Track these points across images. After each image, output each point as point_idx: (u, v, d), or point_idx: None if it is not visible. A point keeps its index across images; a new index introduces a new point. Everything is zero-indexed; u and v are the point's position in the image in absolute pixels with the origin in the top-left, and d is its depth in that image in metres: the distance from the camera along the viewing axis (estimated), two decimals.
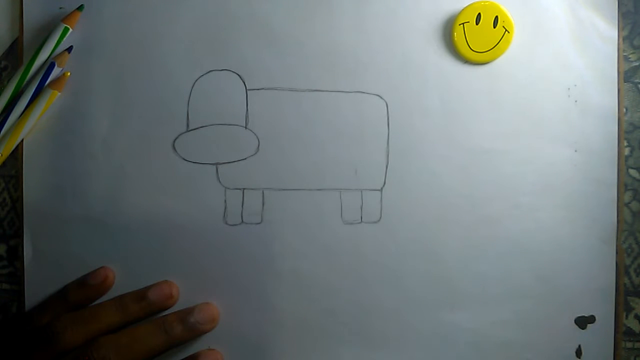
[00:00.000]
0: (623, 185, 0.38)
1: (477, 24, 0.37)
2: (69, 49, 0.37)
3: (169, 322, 0.35)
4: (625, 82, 0.38)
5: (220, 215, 0.37)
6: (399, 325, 0.37)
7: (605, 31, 0.37)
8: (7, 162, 0.38)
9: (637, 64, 0.38)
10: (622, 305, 0.38)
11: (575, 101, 0.38)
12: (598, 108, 0.38)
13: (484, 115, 0.38)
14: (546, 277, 0.38)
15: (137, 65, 0.37)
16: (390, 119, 0.38)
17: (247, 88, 0.37)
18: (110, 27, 0.37)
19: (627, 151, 0.38)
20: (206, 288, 0.37)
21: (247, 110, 0.37)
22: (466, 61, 0.37)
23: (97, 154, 0.37)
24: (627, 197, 0.38)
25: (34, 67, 0.36)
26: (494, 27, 0.37)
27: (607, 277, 0.38)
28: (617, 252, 0.38)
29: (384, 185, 0.38)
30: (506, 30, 0.37)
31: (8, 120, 0.36)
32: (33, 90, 0.36)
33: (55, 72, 0.37)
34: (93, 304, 0.36)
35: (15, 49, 0.38)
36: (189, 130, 0.37)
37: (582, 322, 0.38)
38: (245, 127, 0.37)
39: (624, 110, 0.38)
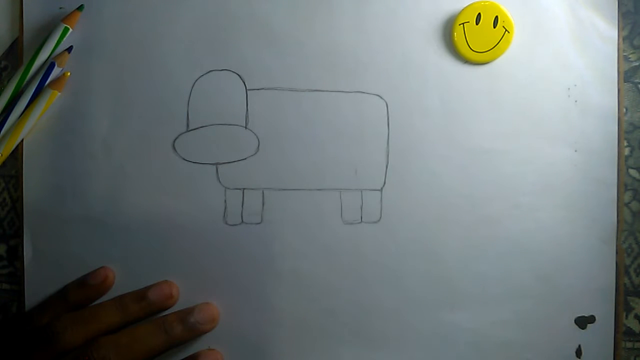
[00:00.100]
0: (623, 185, 0.38)
1: (477, 24, 0.37)
2: (69, 49, 0.37)
3: (169, 322, 0.35)
4: (625, 82, 0.38)
5: (220, 215, 0.37)
6: (399, 325, 0.37)
7: (605, 31, 0.37)
8: (7, 162, 0.38)
9: (637, 64, 0.38)
10: (622, 305, 0.38)
11: (575, 101, 0.38)
12: (598, 108, 0.38)
13: (484, 115, 0.38)
14: (546, 277, 0.38)
15: (137, 65, 0.37)
16: (390, 119, 0.38)
17: (247, 88, 0.37)
18: (110, 27, 0.37)
19: (627, 151, 0.38)
20: (206, 288, 0.37)
21: (247, 110, 0.37)
22: (466, 61, 0.37)
23: (97, 154, 0.37)
24: (627, 197, 0.38)
25: (34, 67, 0.36)
26: (494, 27, 0.37)
27: (607, 277, 0.38)
28: (617, 252, 0.38)
29: (384, 185, 0.38)
30: (506, 30, 0.37)
31: (8, 120, 0.36)
32: (33, 90, 0.36)
33: (55, 72, 0.37)
34: (93, 304, 0.36)
35: (15, 49, 0.38)
36: (189, 130, 0.37)
37: (582, 322, 0.38)
38: (245, 127, 0.37)
39: (624, 110, 0.38)
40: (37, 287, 0.37)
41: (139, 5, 0.37)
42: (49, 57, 0.37)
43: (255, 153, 0.37)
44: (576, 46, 0.38)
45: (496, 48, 0.37)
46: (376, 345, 0.37)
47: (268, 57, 0.37)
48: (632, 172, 0.38)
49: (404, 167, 0.38)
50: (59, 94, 0.37)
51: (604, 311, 0.38)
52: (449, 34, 0.37)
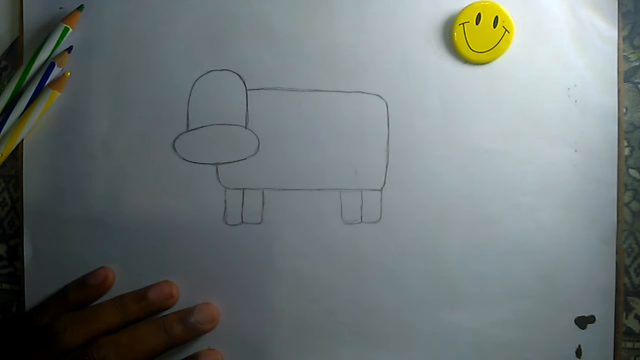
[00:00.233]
0: (623, 185, 0.38)
1: (477, 24, 0.37)
2: (69, 49, 0.37)
3: (169, 322, 0.35)
4: (625, 82, 0.38)
5: (220, 215, 0.37)
6: (399, 325, 0.37)
7: (605, 31, 0.37)
8: (7, 162, 0.38)
9: (637, 64, 0.38)
10: (622, 305, 0.38)
11: (575, 101, 0.38)
12: (598, 108, 0.38)
13: (484, 115, 0.38)
14: (546, 277, 0.38)
15: (137, 65, 0.37)
16: (390, 119, 0.38)
17: (247, 88, 0.37)
18: (110, 27, 0.37)
19: (627, 151, 0.38)
20: (206, 288, 0.37)
21: (247, 110, 0.37)
22: (466, 61, 0.37)
23: (97, 154, 0.37)
24: (627, 197, 0.38)
25: (34, 67, 0.36)
26: (494, 27, 0.37)
27: (607, 277, 0.38)
28: (617, 252, 0.38)
29: (384, 185, 0.38)
30: (506, 30, 0.37)
31: (8, 120, 0.36)
32: (33, 90, 0.36)
33: (55, 72, 0.37)
34: (93, 304, 0.36)
35: (15, 49, 0.38)
36: (189, 130, 0.37)
37: (582, 322, 0.38)
38: (245, 127, 0.37)
39: (624, 110, 0.38)
40: (37, 287, 0.37)
41: (139, 5, 0.37)
42: (49, 57, 0.37)
43: (255, 153, 0.37)
44: (576, 46, 0.38)
45: (496, 48, 0.37)
46: (376, 345, 0.37)
47: (268, 57, 0.37)
48: (632, 172, 0.38)
49: (404, 167, 0.38)
50: (59, 94, 0.37)
51: (604, 311, 0.38)
52: (449, 34, 0.37)
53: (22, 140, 0.37)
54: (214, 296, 0.37)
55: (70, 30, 0.37)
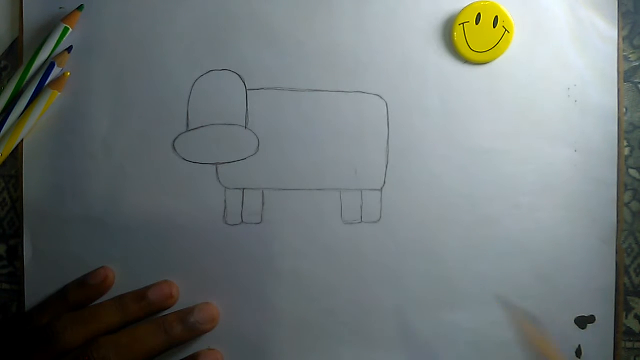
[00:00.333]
0: (623, 185, 0.38)
1: (477, 24, 0.37)
2: (69, 49, 0.37)
3: (169, 322, 0.35)
4: (625, 82, 0.38)
5: (220, 215, 0.37)
6: (399, 325, 0.37)
7: (605, 31, 0.37)
8: (7, 162, 0.38)
9: (637, 64, 0.38)
10: (622, 305, 0.38)
11: (575, 101, 0.38)
12: (598, 108, 0.38)
13: (484, 115, 0.38)
14: (546, 277, 0.38)
15: (137, 65, 0.37)
16: (390, 119, 0.38)
17: (247, 88, 0.37)
18: (110, 27, 0.37)
19: (627, 151, 0.38)
20: (206, 288, 0.37)
21: (247, 110, 0.37)
22: (466, 61, 0.37)
23: (97, 154, 0.37)
24: (627, 197, 0.38)
25: (34, 67, 0.36)
26: (494, 27, 0.37)
27: (607, 277, 0.38)
28: (617, 252, 0.38)
29: (384, 185, 0.38)
30: (506, 30, 0.37)
31: (8, 120, 0.36)
32: (33, 90, 0.36)
33: (55, 72, 0.37)
34: (93, 304, 0.36)
35: (15, 49, 0.38)
36: (189, 130, 0.37)
37: (582, 322, 0.38)
38: (245, 127, 0.37)
39: (624, 110, 0.38)
40: (37, 287, 0.37)
41: (139, 5, 0.37)
42: (49, 57, 0.37)
43: (255, 153, 0.37)
44: (576, 46, 0.38)
45: (496, 48, 0.37)
46: (376, 345, 0.37)
47: (268, 57, 0.37)
48: (632, 172, 0.38)
49: (404, 167, 0.38)
50: (59, 94, 0.37)
51: (604, 311, 0.38)
52: (449, 34, 0.37)
53: (22, 140, 0.37)
54: (214, 296, 0.37)
55: (70, 30, 0.37)
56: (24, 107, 0.36)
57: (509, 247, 0.38)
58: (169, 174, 0.37)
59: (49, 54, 0.36)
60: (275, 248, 0.37)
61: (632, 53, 0.38)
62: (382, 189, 0.38)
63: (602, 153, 0.38)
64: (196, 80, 0.37)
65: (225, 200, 0.37)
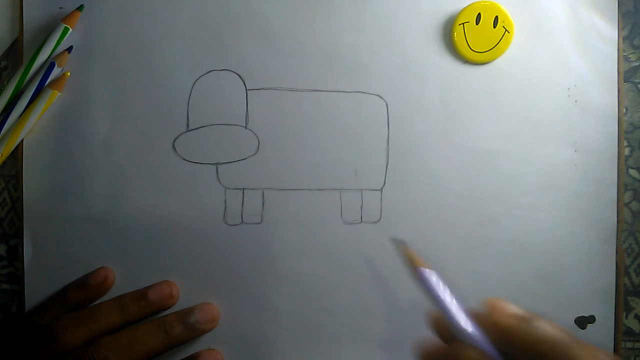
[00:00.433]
0: (623, 185, 0.38)
1: (477, 24, 0.37)
2: (69, 49, 0.37)
3: (169, 322, 0.35)
4: (625, 82, 0.38)
5: (220, 215, 0.37)
6: (399, 326, 0.37)
7: (605, 31, 0.37)
8: (7, 162, 0.38)
9: (637, 64, 0.38)
10: (622, 305, 0.38)
11: (575, 101, 0.38)
12: (598, 108, 0.38)
13: (484, 115, 0.38)
14: (546, 277, 0.38)
15: (137, 65, 0.37)
16: (390, 119, 0.38)
17: (247, 88, 0.37)
18: (110, 27, 0.37)
19: (627, 151, 0.38)
20: (206, 288, 0.37)
21: (247, 110, 0.37)
22: (466, 61, 0.37)
23: (97, 154, 0.37)
24: (627, 197, 0.38)
25: (34, 67, 0.36)
26: (494, 27, 0.37)
27: (607, 277, 0.38)
28: (617, 252, 0.38)
29: (384, 185, 0.38)
30: (506, 30, 0.37)
31: (8, 120, 0.36)
32: (33, 90, 0.36)
33: (55, 72, 0.37)
34: (93, 304, 0.36)
35: (15, 49, 0.38)
36: (189, 130, 0.37)
37: (582, 322, 0.38)
38: (245, 127, 0.37)
39: (624, 110, 0.38)
40: (37, 287, 0.37)
41: (139, 5, 0.37)
42: (49, 57, 0.37)
43: (255, 153, 0.37)
44: (576, 46, 0.38)
45: (496, 48, 0.37)
46: (376, 345, 0.37)
47: (268, 57, 0.37)
48: (632, 172, 0.38)
49: (404, 167, 0.38)
50: (59, 94, 0.37)
51: (604, 311, 0.38)
52: (449, 34, 0.37)
53: (22, 140, 0.37)
54: (214, 296, 0.37)
55: (70, 30, 0.37)
56: (24, 107, 0.36)
57: (509, 247, 0.38)
58: (169, 174, 0.37)
59: (49, 54, 0.36)
60: (275, 248, 0.37)
61: (632, 53, 0.38)
62: (382, 189, 0.38)
63: (602, 153, 0.38)
64: (196, 80, 0.37)
65: (225, 200, 0.37)
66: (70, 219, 0.37)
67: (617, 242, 0.38)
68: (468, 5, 0.37)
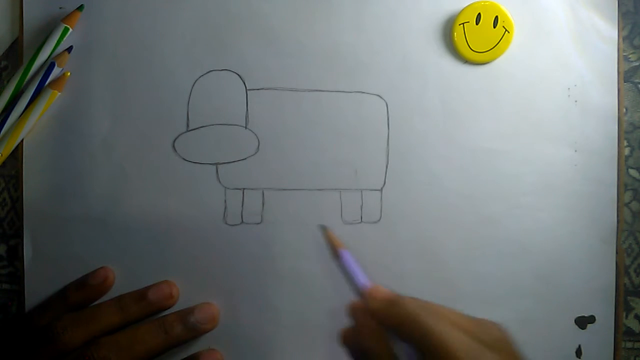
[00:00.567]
0: (623, 185, 0.38)
1: (477, 24, 0.37)
2: (69, 49, 0.37)
3: (169, 322, 0.35)
4: (625, 82, 0.38)
5: (220, 215, 0.37)
6: None
7: (605, 31, 0.37)
8: (7, 162, 0.38)
9: (637, 64, 0.38)
10: (622, 305, 0.38)
11: (575, 101, 0.38)
12: (598, 108, 0.38)
13: (484, 115, 0.38)
14: (546, 277, 0.38)
15: (137, 65, 0.37)
16: (390, 119, 0.38)
17: (247, 88, 0.37)
18: (110, 27, 0.37)
19: (627, 151, 0.38)
20: (206, 288, 0.37)
21: (247, 110, 0.37)
22: (466, 61, 0.37)
23: (97, 154, 0.37)
24: (627, 197, 0.38)
25: (34, 67, 0.36)
26: (494, 27, 0.37)
27: (607, 277, 0.38)
28: (617, 252, 0.38)
29: (384, 185, 0.38)
30: (506, 30, 0.37)
31: (8, 120, 0.36)
32: (33, 90, 0.36)
33: (55, 72, 0.37)
34: (93, 304, 0.36)
35: (15, 49, 0.38)
36: (189, 130, 0.37)
37: (582, 322, 0.38)
38: (245, 127, 0.37)
39: (624, 110, 0.38)
40: (37, 287, 0.37)
41: (139, 5, 0.37)
42: (49, 57, 0.37)
43: (255, 153, 0.37)
44: (576, 46, 0.38)
45: (496, 48, 0.37)
46: None
47: (268, 57, 0.37)
48: (632, 172, 0.38)
49: (404, 167, 0.38)
50: (59, 94, 0.37)
51: (604, 311, 0.38)
52: (449, 34, 0.37)
53: (22, 140, 0.37)
54: (214, 296, 0.37)
55: (70, 30, 0.37)
56: (24, 107, 0.36)
57: (509, 247, 0.38)
58: (169, 174, 0.37)
59: (49, 54, 0.36)
60: (275, 248, 0.37)
61: (632, 53, 0.38)
62: (382, 189, 0.38)
63: (602, 153, 0.38)
64: (196, 80, 0.37)
65: (225, 200, 0.37)
66: (70, 219, 0.37)
67: (617, 242, 0.38)
68: (468, 5, 0.37)
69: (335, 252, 0.32)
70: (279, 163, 0.37)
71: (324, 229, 0.33)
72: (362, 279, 0.31)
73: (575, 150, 0.38)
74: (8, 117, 0.36)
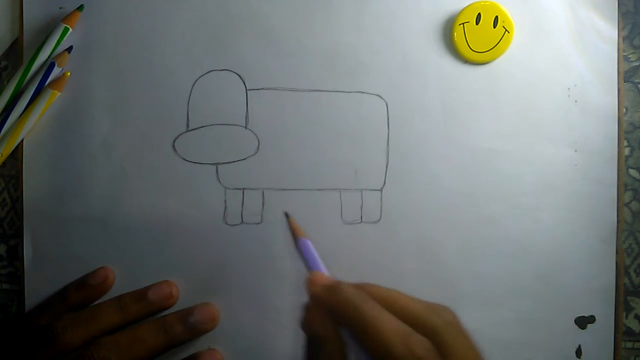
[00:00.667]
0: (623, 185, 0.38)
1: (477, 24, 0.37)
2: (69, 49, 0.37)
3: (169, 322, 0.35)
4: (625, 82, 0.38)
5: (220, 215, 0.37)
6: None
7: (605, 31, 0.37)
8: (7, 162, 0.38)
9: (637, 64, 0.38)
10: (622, 305, 0.38)
11: (575, 101, 0.38)
12: (598, 108, 0.38)
13: (484, 115, 0.38)
14: (546, 277, 0.38)
15: (137, 65, 0.37)
16: (390, 119, 0.38)
17: (247, 88, 0.37)
18: (110, 27, 0.37)
19: (627, 151, 0.38)
20: (206, 288, 0.37)
21: (247, 110, 0.37)
22: (466, 61, 0.37)
23: (97, 154, 0.37)
24: (627, 197, 0.38)
25: (34, 67, 0.36)
26: (494, 27, 0.37)
27: (607, 277, 0.38)
28: (617, 252, 0.38)
29: (384, 185, 0.38)
30: (506, 30, 0.37)
31: (8, 120, 0.36)
32: (33, 90, 0.36)
33: (55, 72, 0.37)
34: (93, 304, 0.36)
35: (15, 49, 0.38)
36: (189, 130, 0.37)
37: (582, 322, 0.38)
38: (245, 127, 0.37)
39: (624, 110, 0.38)
40: (37, 287, 0.37)
41: (139, 5, 0.37)
42: (49, 57, 0.37)
43: (255, 153, 0.37)
44: (576, 46, 0.38)
45: (496, 48, 0.37)
46: None
47: (268, 57, 0.37)
48: (632, 172, 0.38)
49: (404, 167, 0.38)
50: (59, 94, 0.37)
51: (604, 311, 0.38)
52: (449, 34, 0.37)
53: (22, 140, 0.37)
54: (214, 296, 0.37)
55: (70, 30, 0.37)
56: (24, 107, 0.36)
57: (509, 247, 0.38)
58: (169, 174, 0.37)
59: (49, 54, 0.36)
60: (275, 248, 0.37)
61: (632, 53, 0.38)
62: (382, 189, 0.38)
63: (602, 153, 0.38)
64: (196, 80, 0.37)
65: (225, 200, 0.37)
66: (70, 219, 0.37)
67: (617, 242, 0.38)
68: (468, 5, 0.37)
69: (295, 239, 0.33)
70: (279, 163, 0.37)
71: (287, 216, 0.34)
72: (319, 268, 0.31)
73: (575, 150, 0.38)
74: (8, 117, 0.36)
